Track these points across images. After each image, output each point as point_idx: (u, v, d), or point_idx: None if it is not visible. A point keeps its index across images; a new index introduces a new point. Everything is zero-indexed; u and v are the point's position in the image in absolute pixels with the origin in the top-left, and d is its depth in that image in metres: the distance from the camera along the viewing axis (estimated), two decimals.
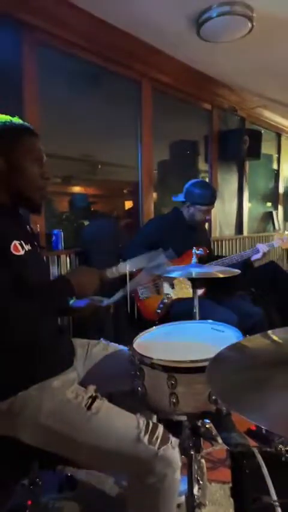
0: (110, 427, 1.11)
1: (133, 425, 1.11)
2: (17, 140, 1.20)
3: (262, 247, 2.43)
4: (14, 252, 1.14)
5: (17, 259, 1.14)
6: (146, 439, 1.08)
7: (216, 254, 3.60)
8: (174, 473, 1.10)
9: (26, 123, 1.25)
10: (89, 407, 1.12)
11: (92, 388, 1.20)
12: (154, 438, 1.09)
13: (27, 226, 1.35)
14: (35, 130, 1.26)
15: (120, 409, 1.17)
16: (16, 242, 1.16)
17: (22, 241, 1.18)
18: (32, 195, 1.23)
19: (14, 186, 1.20)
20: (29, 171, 1.21)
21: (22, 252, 1.16)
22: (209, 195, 2.38)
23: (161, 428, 1.13)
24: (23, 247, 1.17)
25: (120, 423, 1.13)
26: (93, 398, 1.14)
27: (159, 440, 1.09)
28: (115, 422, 1.12)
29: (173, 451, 1.10)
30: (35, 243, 1.30)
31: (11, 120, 1.23)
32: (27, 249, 1.19)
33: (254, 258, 2.46)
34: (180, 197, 2.41)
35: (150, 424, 1.13)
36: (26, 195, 1.22)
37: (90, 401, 1.13)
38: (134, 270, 1.47)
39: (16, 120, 1.24)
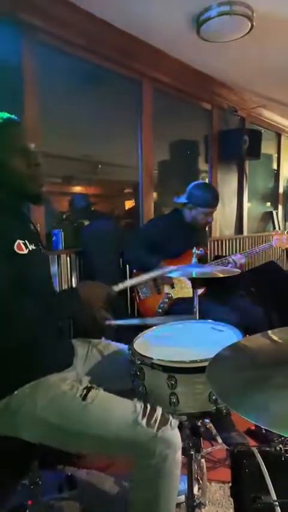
0: (107, 414, 1.11)
1: (130, 409, 1.11)
2: (15, 143, 1.19)
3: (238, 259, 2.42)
4: (17, 251, 1.14)
5: (21, 258, 1.14)
6: (144, 421, 1.08)
7: (216, 254, 3.61)
8: (175, 454, 1.09)
9: (3, 114, 1.22)
10: (84, 398, 1.12)
11: (86, 379, 1.20)
12: (152, 420, 1.09)
13: (31, 225, 1.35)
14: (14, 118, 1.24)
15: (115, 396, 1.17)
16: (20, 241, 1.16)
17: (26, 241, 1.19)
18: (24, 186, 1.21)
19: (4, 181, 1.19)
20: (12, 163, 1.18)
21: (26, 251, 1.17)
22: (211, 198, 2.37)
23: (159, 410, 1.12)
24: (26, 247, 1.18)
25: (117, 409, 1.13)
26: (88, 389, 1.15)
27: (157, 422, 1.08)
28: (112, 409, 1.13)
29: (172, 431, 1.09)
30: (39, 242, 1.31)
31: None
32: (31, 249, 1.20)
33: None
34: (182, 199, 2.41)
35: (148, 407, 1.12)
36: (18, 187, 1.21)
37: (85, 391, 1.14)
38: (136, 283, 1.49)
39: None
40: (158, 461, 1.07)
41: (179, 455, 1.11)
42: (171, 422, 1.10)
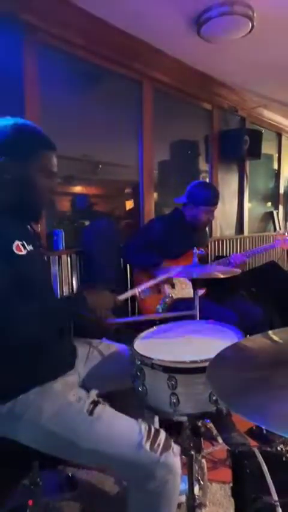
0: (112, 433, 1.11)
1: (135, 431, 1.11)
2: (35, 153, 1.20)
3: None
4: (16, 252, 1.14)
5: (19, 259, 1.14)
6: (147, 445, 1.09)
7: (217, 254, 3.61)
8: (175, 479, 1.11)
9: (46, 136, 1.25)
10: (91, 413, 1.12)
11: (94, 393, 1.20)
12: (156, 445, 1.09)
13: (28, 226, 1.35)
14: (53, 144, 1.26)
15: (122, 414, 1.16)
16: (18, 242, 1.16)
17: (24, 242, 1.18)
18: (38, 207, 1.26)
19: (23, 196, 1.20)
20: (40, 185, 1.21)
21: (24, 252, 1.16)
22: (212, 196, 2.37)
23: (162, 435, 1.13)
24: (25, 248, 1.17)
25: (122, 429, 1.13)
26: (95, 403, 1.14)
27: (161, 447, 1.09)
28: (117, 428, 1.12)
29: (174, 457, 1.11)
30: (37, 243, 1.30)
31: (33, 129, 1.23)
32: (29, 249, 1.19)
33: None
34: (183, 199, 2.41)
35: (152, 430, 1.13)
36: (32, 206, 1.25)
37: (92, 406, 1.13)
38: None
39: (33, 127, 1.23)
40: (158, 485, 1.08)
41: (179, 480, 1.12)
42: (173, 448, 1.12)
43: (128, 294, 1.43)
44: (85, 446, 1.10)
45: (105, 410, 1.14)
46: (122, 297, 1.34)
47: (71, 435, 1.10)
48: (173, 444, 1.13)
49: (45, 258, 1.43)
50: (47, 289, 1.35)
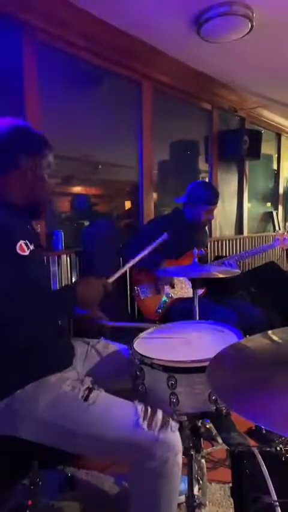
0: (108, 416, 1.11)
1: (131, 412, 1.11)
2: (44, 153, 1.26)
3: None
4: (19, 252, 1.15)
5: (22, 259, 1.15)
6: (144, 424, 1.08)
7: (216, 254, 3.61)
8: (176, 457, 1.09)
9: (45, 139, 1.31)
10: (86, 399, 1.13)
11: (88, 380, 1.21)
12: (153, 423, 1.09)
13: (28, 226, 1.35)
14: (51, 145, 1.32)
15: (117, 397, 1.17)
16: (22, 242, 1.17)
17: (27, 241, 1.19)
18: (44, 204, 1.34)
19: (36, 194, 1.27)
20: (48, 183, 1.29)
21: (27, 252, 1.17)
22: (211, 195, 2.39)
23: (159, 413, 1.12)
24: (28, 247, 1.18)
25: (118, 411, 1.13)
26: (90, 390, 1.15)
27: (158, 425, 1.09)
28: (113, 411, 1.13)
29: (173, 434, 1.10)
30: (38, 243, 1.31)
31: (36, 132, 1.29)
32: (31, 249, 1.20)
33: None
34: (183, 198, 2.42)
35: (149, 410, 1.12)
36: (40, 203, 1.31)
37: (87, 392, 1.14)
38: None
39: (34, 129, 1.30)
40: (158, 464, 1.07)
41: (179, 458, 1.11)
42: (171, 425, 1.11)
43: (117, 274, 1.44)
44: (83, 432, 1.10)
45: (100, 395, 1.15)
46: (111, 279, 1.37)
47: (67, 423, 1.11)
48: (171, 421, 1.11)
49: (44, 258, 1.44)
50: (46, 288, 1.35)
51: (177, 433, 1.12)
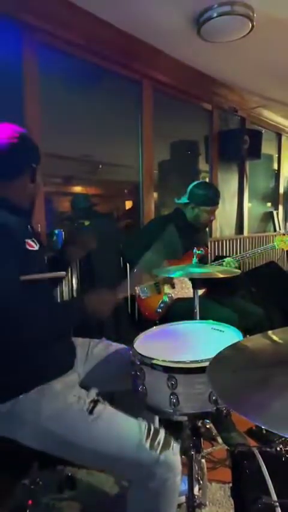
0: (112, 432, 1.11)
1: (135, 430, 1.12)
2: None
3: None
4: (29, 248, 1.19)
5: (33, 254, 1.19)
6: (147, 444, 1.09)
7: (216, 255, 3.61)
8: (176, 478, 1.11)
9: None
10: (90, 412, 1.12)
11: (93, 392, 1.20)
12: (156, 443, 1.10)
13: (29, 227, 1.36)
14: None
15: (122, 413, 1.17)
16: (29, 240, 1.21)
17: (32, 240, 1.23)
18: (33, 205, 1.36)
19: (34, 198, 1.34)
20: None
21: (36, 248, 1.22)
22: (213, 196, 2.38)
23: (162, 433, 1.13)
24: (36, 244, 1.23)
25: (122, 428, 1.13)
26: (95, 403, 1.15)
27: (160, 445, 1.10)
28: (117, 427, 1.13)
29: (174, 456, 1.11)
30: (39, 243, 1.32)
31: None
32: (38, 247, 1.24)
33: None
34: (184, 199, 2.41)
35: (152, 429, 1.13)
36: (33, 204, 1.35)
37: (92, 405, 1.14)
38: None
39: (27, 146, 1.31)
40: (158, 484, 1.08)
41: (179, 478, 1.13)
42: (173, 447, 1.12)
43: (126, 290, 1.44)
44: (85, 445, 1.10)
45: (105, 410, 1.15)
46: (121, 294, 1.38)
47: (70, 435, 1.10)
48: (172, 442, 1.13)
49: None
50: (48, 289, 1.36)
51: (178, 454, 1.13)
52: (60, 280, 1.45)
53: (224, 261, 2.42)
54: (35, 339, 1.12)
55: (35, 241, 1.24)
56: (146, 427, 1.13)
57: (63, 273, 1.36)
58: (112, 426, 1.12)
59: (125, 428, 1.13)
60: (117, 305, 1.31)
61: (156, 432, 1.13)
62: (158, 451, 1.08)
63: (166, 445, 1.10)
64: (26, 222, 1.31)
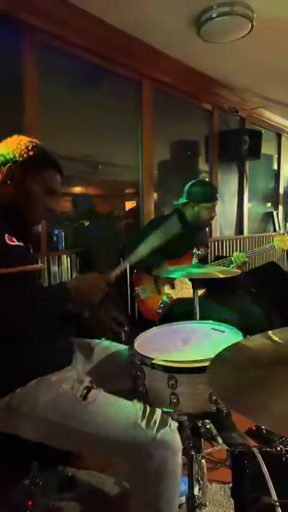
0: (107, 415, 1.11)
1: (130, 411, 1.11)
2: (36, 170, 1.26)
3: None
4: (8, 242, 1.15)
5: (12, 249, 1.15)
6: (143, 423, 1.08)
7: (216, 255, 3.61)
8: (175, 457, 1.08)
9: (56, 159, 1.31)
10: (84, 397, 1.12)
11: (87, 379, 1.21)
12: (152, 422, 1.08)
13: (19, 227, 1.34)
14: (61, 167, 1.33)
15: (116, 396, 1.17)
16: (8, 236, 1.17)
17: (13, 238, 1.19)
18: (28, 220, 1.29)
19: (19, 205, 1.25)
20: (37, 201, 1.27)
21: (16, 243, 1.18)
22: (211, 191, 2.40)
23: (158, 412, 1.12)
24: (16, 241, 1.19)
25: (117, 410, 1.13)
26: (89, 389, 1.15)
27: (157, 424, 1.08)
28: (111, 409, 1.13)
29: (172, 433, 1.09)
30: (29, 244, 1.31)
31: (45, 149, 1.29)
32: (20, 244, 1.20)
33: None
34: (183, 199, 2.42)
35: (148, 409, 1.12)
36: (23, 217, 1.27)
37: (85, 391, 1.14)
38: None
39: (44, 149, 1.29)
40: (158, 465, 1.06)
41: (179, 457, 1.10)
42: (170, 424, 1.10)
43: (119, 269, 1.39)
44: (81, 430, 1.10)
45: (99, 394, 1.15)
46: (113, 275, 1.33)
47: (66, 421, 1.10)
48: (170, 421, 1.11)
49: (39, 260, 1.43)
50: (36, 284, 1.34)
51: (177, 432, 1.11)
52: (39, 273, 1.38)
53: (232, 256, 2.41)
54: (23, 330, 1.11)
55: (15, 239, 1.18)
56: (142, 408, 1.12)
57: (42, 265, 1.30)
58: (106, 409, 1.12)
59: (120, 410, 1.12)
60: (111, 286, 1.25)
61: (152, 412, 1.11)
62: (155, 430, 1.07)
63: (163, 424, 1.09)
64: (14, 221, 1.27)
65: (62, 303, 1.21)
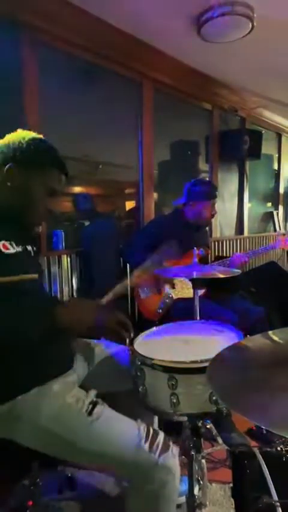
0: (111, 434, 1.11)
1: (134, 432, 1.11)
2: (42, 169, 1.21)
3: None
4: (3, 250, 1.11)
5: (6, 258, 1.11)
6: (146, 446, 1.08)
7: (217, 255, 3.61)
8: (174, 481, 1.10)
9: (59, 157, 1.26)
10: (90, 413, 1.12)
11: (93, 393, 1.19)
12: (154, 446, 1.09)
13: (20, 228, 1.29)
14: (66, 169, 1.28)
15: (121, 415, 1.16)
16: (5, 242, 1.13)
17: (13, 242, 1.16)
18: (30, 219, 1.25)
19: (19, 205, 1.21)
20: (38, 203, 1.23)
21: (12, 251, 1.14)
22: (210, 190, 2.41)
23: (161, 436, 1.13)
24: (13, 247, 1.15)
25: (121, 430, 1.12)
26: (94, 404, 1.14)
27: (159, 448, 1.09)
28: (116, 429, 1.12)
29: (173, 459, 1.10)
30: (31, 246, 1.29)
31: (48, 147, 1.24)
32: (17, 250, 1.17)
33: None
34: (182, 199, 2.42)
35: (151, 431, 1.13)
36: (25, 217, 1.23)
37: (91, 406, 1.13)
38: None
39: (49, 147, 1.25)
40: (157, 488, 1.07)
41: (177, 482, 1.12)
42: (172, 450, 1.11)
43: (111, 294, 1.40)
44: (84, 446, 1.09)
45: (104, 411, 1.14)
46: (104, 300, 1.34)
47: (69, 436, 1.10)
48: (171, 445, 1.12)
49: (39, 261, 1.40)
50: (36, 290, 1.29)
51: (177, 458, 1.13)
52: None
53: None
54: (26, 338, 1.06)
55: (13, 244, 1.15)
56: (145, 429, 1.12)
57: (35, 275, 1.24)
58: (111, 427, 1.12)
59: (124, 430, 1.12)
60: (103, 312, 1.13)
61: (155, 434, 1.12)
62: (157, 454, 1.08)
63: (165, 448, 1.10)
64: (13, 223, 1.22)
65: (47, 324, 1.08)
